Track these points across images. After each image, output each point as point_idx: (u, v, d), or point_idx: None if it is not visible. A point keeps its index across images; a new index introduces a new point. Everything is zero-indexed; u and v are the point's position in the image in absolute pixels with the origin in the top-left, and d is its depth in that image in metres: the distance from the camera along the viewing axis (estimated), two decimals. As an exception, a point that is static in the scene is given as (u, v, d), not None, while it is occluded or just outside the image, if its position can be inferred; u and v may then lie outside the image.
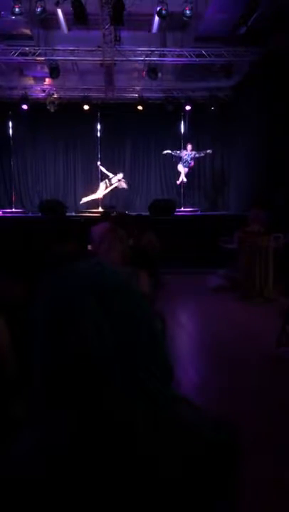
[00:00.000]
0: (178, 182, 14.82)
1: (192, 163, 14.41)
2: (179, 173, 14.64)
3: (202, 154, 14.24)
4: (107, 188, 14.00)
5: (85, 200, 14.05)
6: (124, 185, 14.24)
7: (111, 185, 14.05)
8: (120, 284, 0.70)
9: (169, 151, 14.35)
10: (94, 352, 0.63)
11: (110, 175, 14.09)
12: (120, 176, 14.14)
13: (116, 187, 14.18)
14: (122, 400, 0.64)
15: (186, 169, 14.42)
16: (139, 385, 0.65)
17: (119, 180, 14.09)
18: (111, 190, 14.16)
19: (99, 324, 0.65)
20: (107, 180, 14.00)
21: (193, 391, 4.12)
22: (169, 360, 0.72)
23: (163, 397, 0.68)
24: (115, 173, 14.21)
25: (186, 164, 14.34)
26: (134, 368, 0.65)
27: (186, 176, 14.56)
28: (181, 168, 14.41)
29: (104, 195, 14.23)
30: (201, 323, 7.00)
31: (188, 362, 5.12)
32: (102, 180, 14.31)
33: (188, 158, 14.28)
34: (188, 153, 14.24)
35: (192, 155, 14.26)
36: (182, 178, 14.54)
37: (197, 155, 14.27)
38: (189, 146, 14.30)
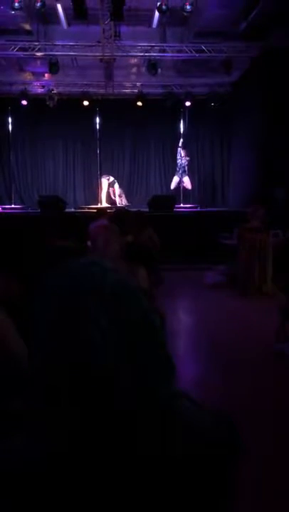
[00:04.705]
0: (189, 188, 14.59)
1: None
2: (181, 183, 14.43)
3: (187, 159, 14.21)
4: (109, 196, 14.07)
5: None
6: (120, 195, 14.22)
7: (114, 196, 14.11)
8: (119, 283, 0.69)
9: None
10: (96, 350, 0.63)
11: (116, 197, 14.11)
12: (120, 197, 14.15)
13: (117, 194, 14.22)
14: (124, 399, 0.64)
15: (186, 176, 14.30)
16: (141, 383, 0.65)
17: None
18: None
19: (99, 324, 0.64)
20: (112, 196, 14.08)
21: (192, 387, 4.12)
22: (171, 357, 0.72)
23: (164, 395, 0.68)
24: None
25: (182, 170, 14.20)
26: (135, 366, 0.65)
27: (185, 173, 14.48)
28: (186, 179, 14.29)
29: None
30: (200, 319, 7.01)
31: (187, 358, 5.13)
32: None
33: (185, 167, 14.24)
34: (183, 160, 14.15)
35: (187, 162, 14.22)
36: (188, 185, 14.37)
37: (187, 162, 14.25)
38: (183, 152, 14.23)
